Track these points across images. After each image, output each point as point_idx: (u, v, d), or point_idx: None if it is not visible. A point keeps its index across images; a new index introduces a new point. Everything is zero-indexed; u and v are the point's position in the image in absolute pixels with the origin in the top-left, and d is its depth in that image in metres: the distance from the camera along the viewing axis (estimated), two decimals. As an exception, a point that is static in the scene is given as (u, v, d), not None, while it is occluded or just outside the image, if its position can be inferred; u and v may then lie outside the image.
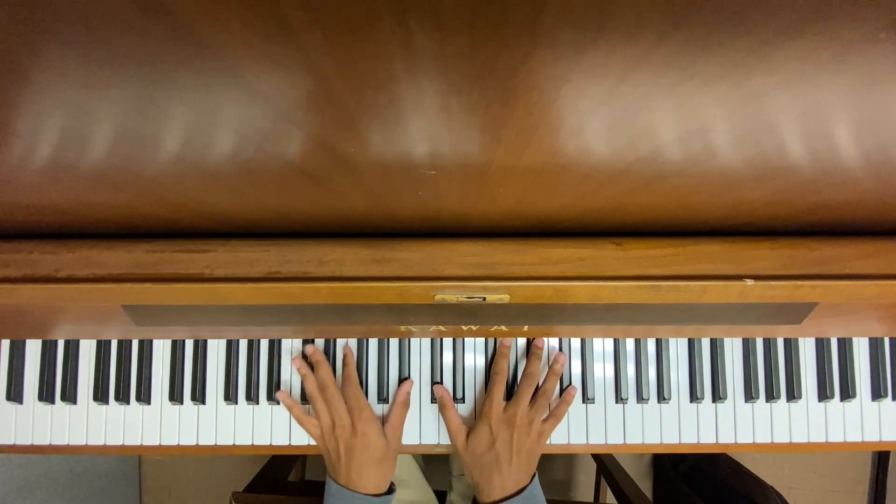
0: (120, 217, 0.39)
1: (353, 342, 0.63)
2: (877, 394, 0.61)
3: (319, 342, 0.63)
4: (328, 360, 0.62)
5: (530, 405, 0.57)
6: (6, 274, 0.41)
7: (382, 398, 0.61)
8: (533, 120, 0.23)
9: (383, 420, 0.59)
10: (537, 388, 0.59)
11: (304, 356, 0.61)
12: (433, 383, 0.62)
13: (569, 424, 0.61)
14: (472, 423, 0.59)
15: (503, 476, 0.54)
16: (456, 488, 0.76)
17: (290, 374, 0.62)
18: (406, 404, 0.60)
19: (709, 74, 0.19)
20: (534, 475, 0.56)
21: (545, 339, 0.62)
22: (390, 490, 0.57)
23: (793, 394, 0.61)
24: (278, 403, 0.61)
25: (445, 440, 0.61)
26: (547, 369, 0.60)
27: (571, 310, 0.50)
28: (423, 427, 0.62)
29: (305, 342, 0.62)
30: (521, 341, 0.63)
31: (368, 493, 0.54)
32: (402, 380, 0.62)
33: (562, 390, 0.61)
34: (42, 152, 0.27)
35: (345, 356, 0.61)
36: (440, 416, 0.61)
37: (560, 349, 0.62)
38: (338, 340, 0.63)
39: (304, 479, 1.13)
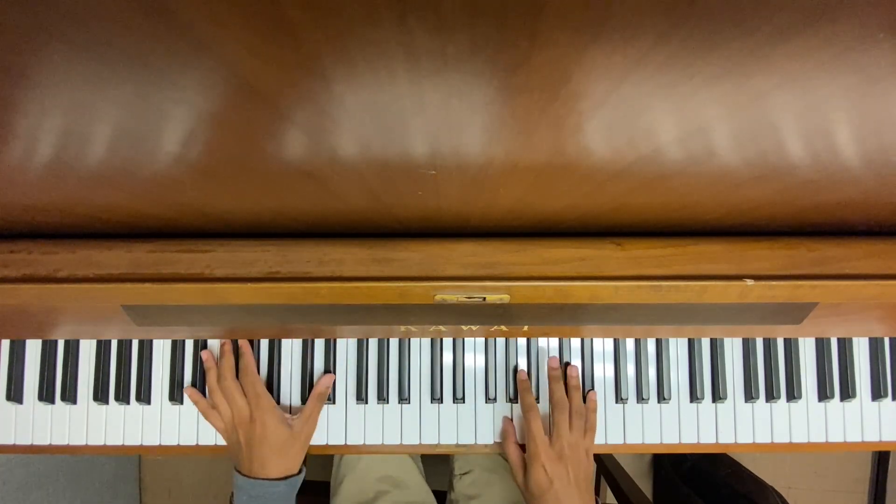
0: (120, 217, 0.39)
1: (352, 342, 0.63)
2: (877, 394, 0.61)
3: (319, 342, 0.63)
4: (331, 360, 0.62)
5: (573, 430, 0.57)
6: (6, 274, 0.41)
7: (382, 398, 0.61)
8: (533, 120, 0.23)
9: (298, 410, 0.60)
10: (571, 411, 0.58)
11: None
12: (504, 419, 0.62)
13: (569, 424, 0.61)
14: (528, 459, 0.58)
15: None
16: (457, 488, 0.76)
17: (290, 374, 0.62)
18: (322, 397, 0.60)
19: (709, 74, 0.19)
20: (595, 501, 0.56)
21: (556, 357, 0.62)
22: (299, 472, 0.57)
23: (793, 394, 0.61)
24: (279, 403, 0.61)
25: (446, 440, 0.61)
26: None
27: (571, 310, 0.50)
28: (424, 427, 0.62)
29: (305, 342, 0.62)
30: (522, 342, 0.63)
31: (273, 478, 0.55)
32: (323, 375, 0.62)
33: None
34: (42, 152, 0.27)
35: (240, 347, 0.60)
36: (440, 416, 0.61)
37: (560, 349, 0.62)
38: (338, 340, 0.63)
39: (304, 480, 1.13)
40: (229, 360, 0.59)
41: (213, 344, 0.62)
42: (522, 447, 0.59)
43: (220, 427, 0.58)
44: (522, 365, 0.62)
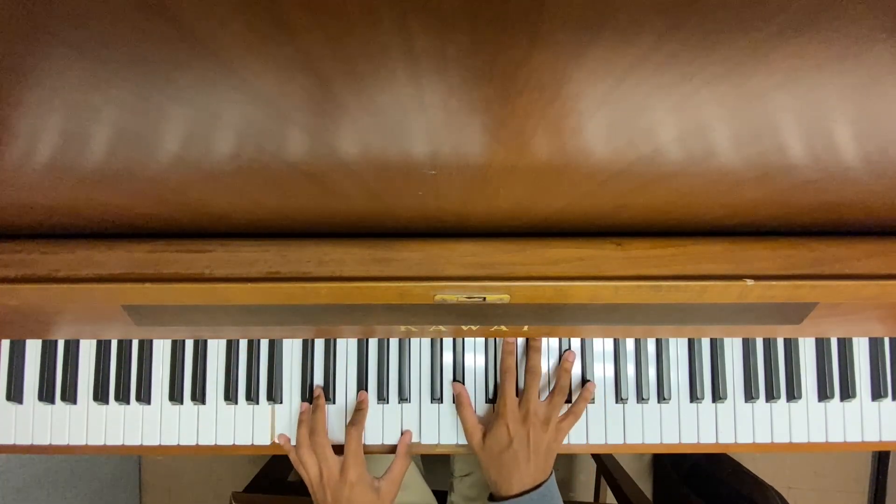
0: (120, 217, 0.39)
1: (352, 342, 0.63)
2: (877, 394, 0.61)
3: (319, 342, 0.63)
4: (331, 360, 0.62)
5: (548, 402, 0.57)
6: (6, 274, 0.41)
7: (382, 398, 0.61)
8: (533, 120, 0.23)
9: (386, 470, 0.59)
10: (554, 387, 0.59)
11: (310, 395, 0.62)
12: (453, 381, 0.62)
13: (569, 424, 0.61)
14: (487, 422, 0.59)
15: (521, 473, 0.54)
16: (457, 489, 0.76)
17: (290, 374, 0.62)
18: (408, 456, 0.60)
19: (709, 74, 0.19)
20: (551, 472, 0.56)
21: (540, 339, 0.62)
22: None
23: (793, 394, 0.61)
24: (279, 403, 0.61)
25: (446, 440, 0.61)
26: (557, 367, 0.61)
27: (571, 310, 0.50)
28: (424, 427, 0.62)
29: (306, 342, 0.62)
30: (521, 340, 0.63)
31: None
32: (403, 432, 0.61)
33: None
34: (42, 153, 0.27)
35: (360, 402, 0.60)
36: (440, 416, 0.61)
37: (560, 349, 0.62)
38: (338, 340, 0.63)
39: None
40: (323, 413, 0.58)
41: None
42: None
43: (307, 481, 0.57)
44: (522, 346, 0.62)
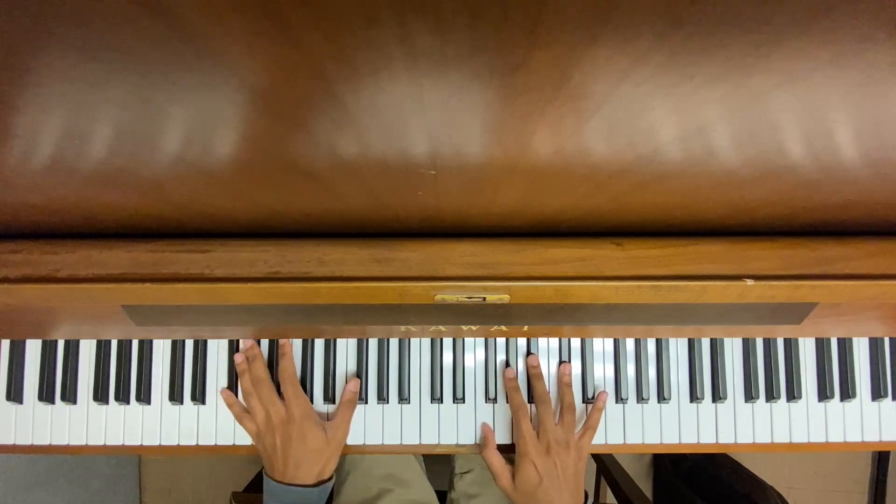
0: (120, 217, 0.39)
1: (352, 342, 0.63)
2: (877, 394, 0.61)
3: (319, 342, 0.63)
4: (331, 360, 0.62)
5: (561, 424, 0.57)
6: (6, 274, 0.41)
7: (382, 398, 0.61)
8: (533, 120, 0.23)
9: (328, 418, 0.60)
10: (562, 407, 0.59)
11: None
12: (483, 424, 0.62)
13: (569, 424, 0.61)
14: (510, 460, 0.58)
15: None
16: (458, 486, 0.76)
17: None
18: (352, 403, 0.60)
19: (709, 74, 0.19)
20: (585, 495, 0.56)
21: (535, 356, 0.62)
22: (329, 478, 0.57)
23: (793, 394, 0.61)
24: (278, 403, 0.61)
25: (446, 440, 0.61)
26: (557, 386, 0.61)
27: (571, 310, 0.50)
28: (423, 427, 0.62)
29: (305, 342, 0.62)
30: (522, 342, 0.63)
31: (306, 484, 0.54)
32: (348, 380, 0.61)
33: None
34: (42, 153, 0.27)
35: (281, 346, 0.60)
36: (440, 416, 0.61)
37: (560, 349, 0.62)
38: (338, 340, 0.63)
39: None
40: (261, 363, 0.59)
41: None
42: (510, 448, 0.59)
43: (252, 431, 0.58)
44: (521, 366, 0.62)
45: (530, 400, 0.61)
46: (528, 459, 0.55)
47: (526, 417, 0.58)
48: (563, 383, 0.60)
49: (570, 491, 0.55)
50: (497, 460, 0.58)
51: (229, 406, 0.60)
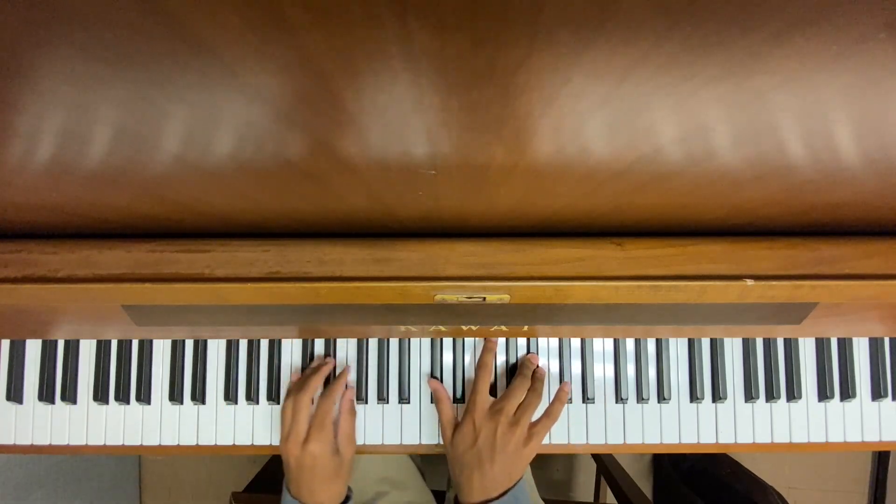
0: (120, 217, 0.39)
1: (352, 342, 0.63)
2: (877, 394, 0.61)
3: (319, 342, 0.63)
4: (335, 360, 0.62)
5: (521, 403, 0.56)
6: (6, 274, 0.41)
7: (382, 398, 0.61)
8: (533, 120, 0.23)
9: (336, 431, 0.57)
10: (529, 389, 0.58)
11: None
12: (430, 377, 0.62)
13: (568, 424, 0.61)
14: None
15: (484, 476, 0.51)
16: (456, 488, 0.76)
17: (291, 374, 0.62)
18: (353, 412, 0.59)
19: (709, 74, 0.19)
20: (518, 480, 0.53)
21: (535, 355, 0.62)
22: (346, 499, 0.56)
23: (793, 394, 0.61)
24: (279, 402, 0.61)
25: (445, 440, 0.61)
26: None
27: (571, 310, 0.50)
28: (423, 427, 0.62)
29: (305, 342, 0.62)
30: (522, 342, 0.63)
31: None
32: (347, 387, 0.61)
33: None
34: (42, 153, 0.27)
35: (344, 372, 0.60)
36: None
37: (560, 349, 0.62)
38: (338, 340, 0.63)
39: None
40: (318, 379, 0.57)
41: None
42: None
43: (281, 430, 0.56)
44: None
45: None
46: (471, 416, 0.54)
47: (486, 379, 0.57)
48: (536, 378, 0.59)
49: (503, 468, 0.51)
50: (448, 413, 0.57)
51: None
